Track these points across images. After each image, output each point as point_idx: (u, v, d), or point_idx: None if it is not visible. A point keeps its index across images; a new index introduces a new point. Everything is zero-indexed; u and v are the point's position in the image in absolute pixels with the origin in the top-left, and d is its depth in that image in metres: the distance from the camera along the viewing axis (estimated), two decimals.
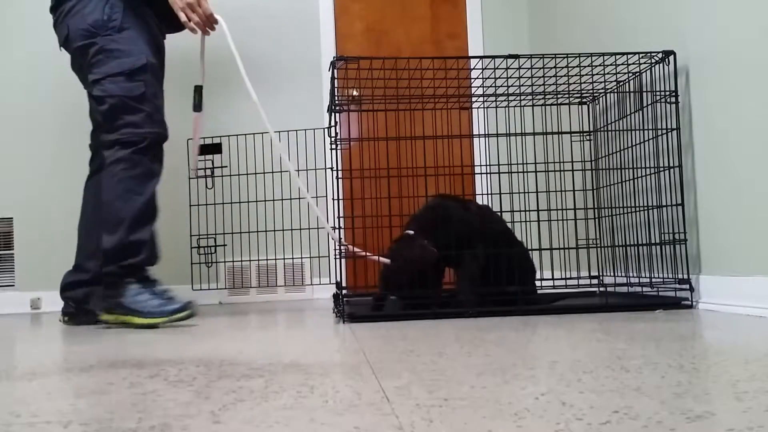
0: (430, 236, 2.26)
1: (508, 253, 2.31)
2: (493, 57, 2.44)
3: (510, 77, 2.53)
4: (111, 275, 2.30)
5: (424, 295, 2.22)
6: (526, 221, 2.67)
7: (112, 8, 2.34)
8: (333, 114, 2.44)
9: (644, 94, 2.48)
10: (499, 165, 2.69)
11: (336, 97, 2.41)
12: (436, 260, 2.24)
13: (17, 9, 3.60)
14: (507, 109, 2.81)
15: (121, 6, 2.36)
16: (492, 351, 1.38)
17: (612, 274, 2.77)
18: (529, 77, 2.55)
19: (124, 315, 2.27)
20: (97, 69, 2.35)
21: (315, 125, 3.54)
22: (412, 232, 2.30)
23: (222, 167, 3.33)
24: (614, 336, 1.56)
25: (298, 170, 3.46)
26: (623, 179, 2.67)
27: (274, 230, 3.44)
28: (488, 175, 3.17)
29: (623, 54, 2.42)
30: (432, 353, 1.37)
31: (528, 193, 2.64)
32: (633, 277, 2.56)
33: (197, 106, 2.43)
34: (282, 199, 3.44)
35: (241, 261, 3.51)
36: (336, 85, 2.42)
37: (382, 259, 2.25)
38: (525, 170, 2.63)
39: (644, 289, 2.39)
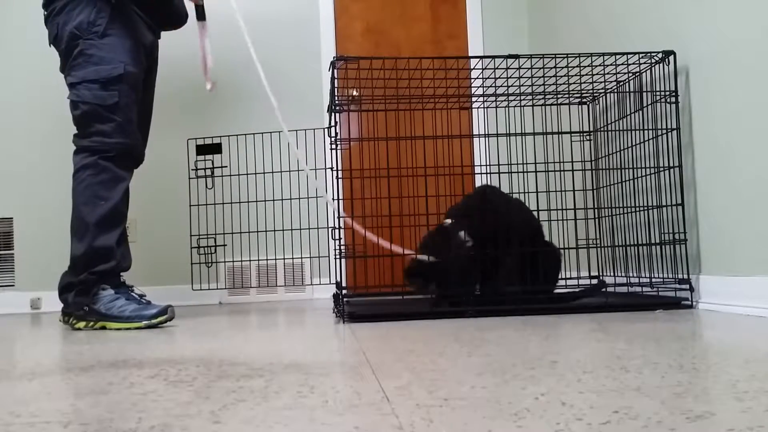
0: (472, 225, 2.29)
1: (545, 252, 2.34)
2: (493, 57, 2.44)
3: (510, 77, 2.53)
4: (83, 283, 2.30)
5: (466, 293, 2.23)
6: None
7: (99, 12, 2.33)
8: (333, 114, 2.44)
9: (644, 94, 2.48)
10: (499, 165, 2.69)
11: (336, 97, 2.41)
12: (475, 256, 2.26)
13: (17, 10, 3.61)
14: (507, 109, 2.81)
15: (108, 11, 2.34)
16: (492, 351, 1.38)
17: (612, 274, 2.77)
18: (529, 77, 2.55)
19: (99, 321, 2.27)
20: (75, 72, 2.35)
21: (315, 125, 3.54)
22: (449, 221, 2.32)
23: (222, 167, 3.33)
24: (614, 336, 1.56)
25: (298, 170, 3.46)
26: (623, 179, 2.67)
27: (274, 230, 3.44)
28: (488, 175, 3.17)
29: (623, 54, 2.42)
30: (432, 353, 1.37)
31: (528, 193, 2.63)
32: (633, 277, 2.56)
33: (200, 16, 2.43)
34: (282, 199, 3.44)
35: (241, 261, 3.51)
36: (336, 85, 2.42)
37: (382, 242, 2.27)
38: (525, 170, 2.62)
39: (644, 289, 2.39)
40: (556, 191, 2.71)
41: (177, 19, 2.57)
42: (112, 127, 2.33)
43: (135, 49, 2.41)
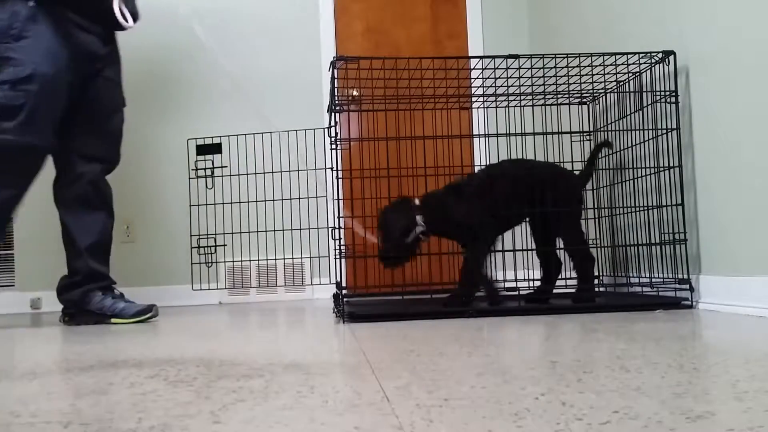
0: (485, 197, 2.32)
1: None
2: (493, 57, 2.44)
3: (510, 77, 2.53)
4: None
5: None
6: (526, 221, 2.66)
7: (13, 16, 2.35)
8: (333, 114, 2.44)
9: (644, 94, 2.48)
10: None
11: (336, 97, 2.41)
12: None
13: None
14: (507, 109, 2.81)
15: (24, 14, 2.35)
16: (492, 351, 1.38)
17: (612, 274, 2.77)
18: (529, 77, 2.55)
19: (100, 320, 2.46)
20: None
21: (315, 125, 3.54)
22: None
23: (222, 167, 3.33)
24: (614, 336, 1.56)
25: (298, 170, 3.46)
26: (623, 179, 2.67)
27: (274, 230, 3.44)
28: None
29: (623, 54, 2.42)
30: (432, 353, 1.37)
31: None
32: (633, 277, 2.56)
33: None
34: (282, 199, 3.44)
35: (241, 261, 3.51)
36: (336, 85, 2.42)
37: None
38: None
39: (644, 289, 2.39)
40: None
41: (115, 20, 2.52)
42: (13, 125, 2.33)
43: (56, 51, 2.39)
